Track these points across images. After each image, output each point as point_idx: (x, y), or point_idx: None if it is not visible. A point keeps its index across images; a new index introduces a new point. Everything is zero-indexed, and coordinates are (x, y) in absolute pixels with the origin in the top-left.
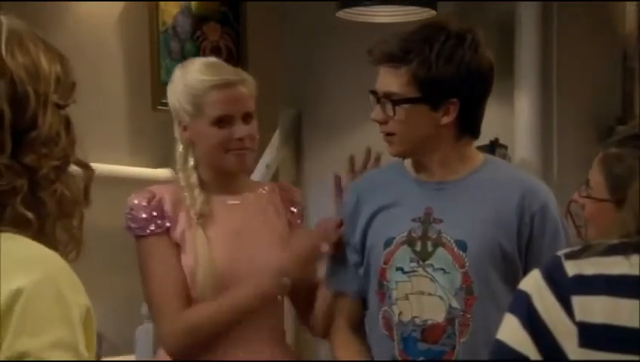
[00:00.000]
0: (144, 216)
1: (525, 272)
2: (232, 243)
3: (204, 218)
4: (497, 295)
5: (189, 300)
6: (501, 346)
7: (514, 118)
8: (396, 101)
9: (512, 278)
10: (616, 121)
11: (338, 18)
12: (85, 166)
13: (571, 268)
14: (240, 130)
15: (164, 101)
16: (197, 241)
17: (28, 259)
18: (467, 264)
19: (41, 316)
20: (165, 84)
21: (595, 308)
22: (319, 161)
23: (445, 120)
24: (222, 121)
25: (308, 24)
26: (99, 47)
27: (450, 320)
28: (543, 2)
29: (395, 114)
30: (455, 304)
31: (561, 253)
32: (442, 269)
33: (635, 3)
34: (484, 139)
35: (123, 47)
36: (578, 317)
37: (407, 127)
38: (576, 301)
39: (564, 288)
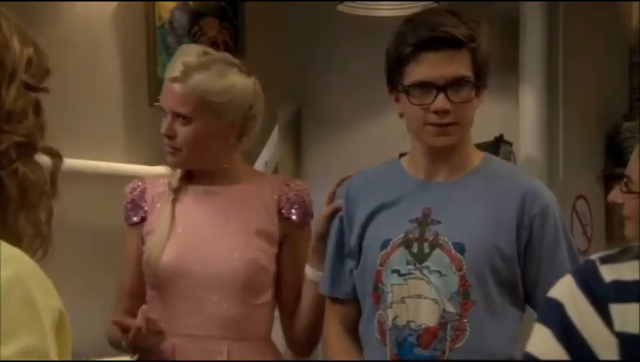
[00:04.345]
0: (127, 205)
1: (524, 277)
2: (186, 237)
3: (177, 194)
4: (494, 300)
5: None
6: (532, 360)
7: (519, 114)
8: (476, 84)
9: (509, 283)
10: (622, 118)
11: (338, 12)
12: (53, 153)
13: (608, 273)
14: (163, 125)
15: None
16: (161, 219)
17: None
18: (465, 267)
19: (7, 322)
20: (162, 80)
21: (638, 318)
22: (319, 157)
23: (478, 104)
24: (162, 112)
25: (308, 18)
26: (95, 43)
27: (442, 324)
28: None
29: (477, 96)
30: (450, 308)
31: (595, 256)
32: (438, 272)
33: None
34: (489, 135)
35: (119, 42)
36: (618, 327)
37: (471, 113)
38: (616, 309)
39: (601, 295)
